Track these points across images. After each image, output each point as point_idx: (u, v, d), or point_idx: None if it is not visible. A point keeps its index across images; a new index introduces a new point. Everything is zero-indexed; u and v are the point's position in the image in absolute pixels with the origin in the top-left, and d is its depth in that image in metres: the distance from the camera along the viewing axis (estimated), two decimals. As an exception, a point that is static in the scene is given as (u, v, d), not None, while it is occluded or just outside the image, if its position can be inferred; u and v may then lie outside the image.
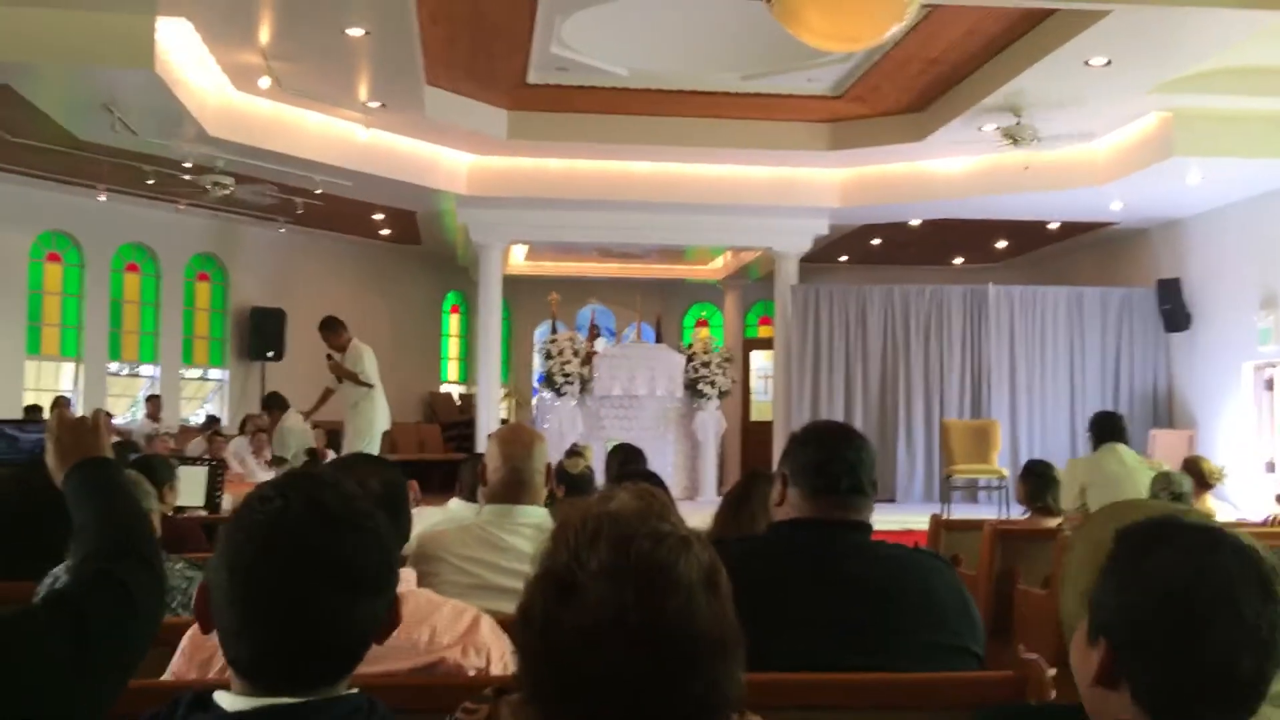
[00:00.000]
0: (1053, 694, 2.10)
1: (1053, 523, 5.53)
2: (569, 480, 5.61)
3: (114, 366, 14.30)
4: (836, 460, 2.43)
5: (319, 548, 1.28)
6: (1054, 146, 10.59)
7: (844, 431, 2.57)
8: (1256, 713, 1.38)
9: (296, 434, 11.14)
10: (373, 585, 1.32)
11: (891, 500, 12.75)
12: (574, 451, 6.80)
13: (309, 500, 1.32)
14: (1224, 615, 1.34)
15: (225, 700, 1.26)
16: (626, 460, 5.80)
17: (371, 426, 9.47)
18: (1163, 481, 5.72)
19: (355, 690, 1.30)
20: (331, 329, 9.75)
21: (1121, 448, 6.78)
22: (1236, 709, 1.37)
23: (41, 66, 8.56)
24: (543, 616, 1.32)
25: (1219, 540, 1.40)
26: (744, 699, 1.36)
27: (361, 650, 1.33)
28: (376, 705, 1.28)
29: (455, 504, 4.52)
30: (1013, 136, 10.19)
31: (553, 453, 4.17)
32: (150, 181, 11.49)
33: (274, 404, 11.76)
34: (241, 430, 11.72)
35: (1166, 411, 13.17)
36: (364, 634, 1.32)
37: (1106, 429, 6.94)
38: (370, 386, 9.53)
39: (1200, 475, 6.46)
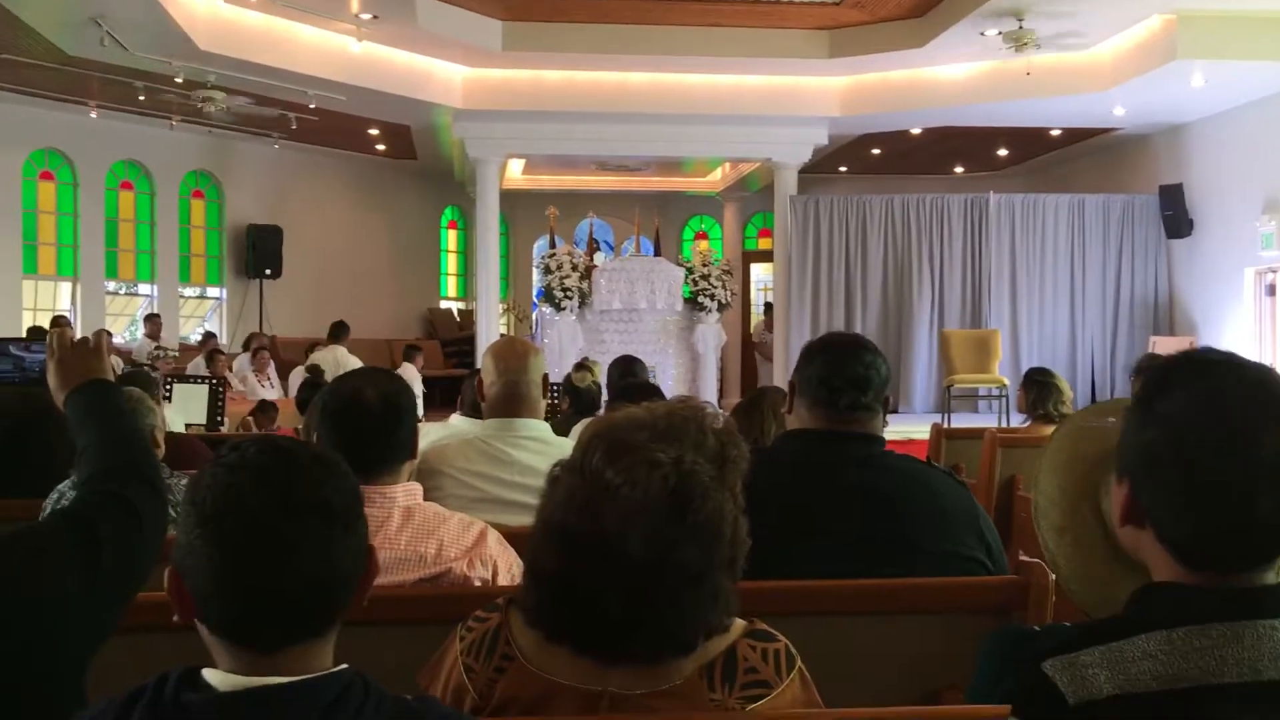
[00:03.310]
0: (1053, 599, 2.12)
1: (1053, 430, 5.48)
2: (575, 394, 5.58)
3: (111, 285, 14.27)
4: (841, 374, 2.41)
5: (283, 481, 1.26)
6: (1057, 51, 10.42)
7: (854, 345, 2.53)
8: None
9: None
10: (343, 520, 1.28)
11: (896, 411, 12.82)
12: (582, 365, 6.73)
13: (266, 444, 1.31)
14: (1238, 451, 1.26)
15: (215, 679, 1.22)
16: (625, 372, 5.78)
17: None
18: None
19: (344, 666, 1.27)
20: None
21: None
22: (1258, 551, 1.29)
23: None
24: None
25: (1238, 373, 1.32)
26: (730, 609, 1.38)
27: (342, 602, 1.29)
28: (370, 681, 1.26)
29: (457, 419, 4.50)
30: (1015, 41, 10.04)
31: (553, 369, 4.16)
32: (141, 98, 11.34)
33: (339, 332, 11.51)
34: (245, 348, 11.66)
35: (1167, 318, 13.16)
36: (343, 578, 1.28)
37: None
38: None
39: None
